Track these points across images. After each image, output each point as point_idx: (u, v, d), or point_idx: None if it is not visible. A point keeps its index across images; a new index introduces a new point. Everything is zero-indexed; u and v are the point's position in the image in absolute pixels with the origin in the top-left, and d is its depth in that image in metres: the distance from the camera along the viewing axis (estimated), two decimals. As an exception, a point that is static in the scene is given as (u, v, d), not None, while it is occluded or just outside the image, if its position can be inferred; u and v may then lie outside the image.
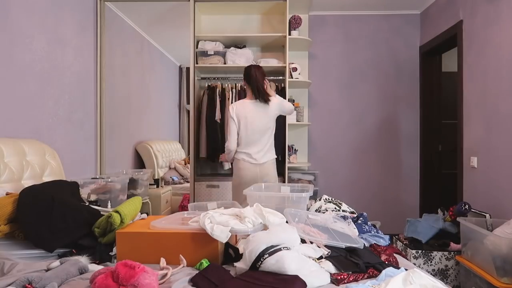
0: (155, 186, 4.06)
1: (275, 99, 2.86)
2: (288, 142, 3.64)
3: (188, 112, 3.90)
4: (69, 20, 3.02)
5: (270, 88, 2.89)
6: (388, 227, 3.74)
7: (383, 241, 1.82)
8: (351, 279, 1.31)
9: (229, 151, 2.85)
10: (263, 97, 2.78)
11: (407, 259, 2.05)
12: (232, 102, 3.59)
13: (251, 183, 2.66)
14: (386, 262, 1.49)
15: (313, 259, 1.39)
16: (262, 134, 2.82)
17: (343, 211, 2.27)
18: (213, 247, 1.48)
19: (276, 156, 2.96)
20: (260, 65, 3.70)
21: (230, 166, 3.69)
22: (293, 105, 3.84)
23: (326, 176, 4.28)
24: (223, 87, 3.87)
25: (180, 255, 1.45)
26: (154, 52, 4.51)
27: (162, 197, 3.94)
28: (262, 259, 1.29)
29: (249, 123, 2.79)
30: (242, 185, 2.66)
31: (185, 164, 4.64)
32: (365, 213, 2.13)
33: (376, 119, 4.31)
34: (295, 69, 3.81)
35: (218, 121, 3.76)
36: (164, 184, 4.33)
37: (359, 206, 3.72)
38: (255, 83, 2.78)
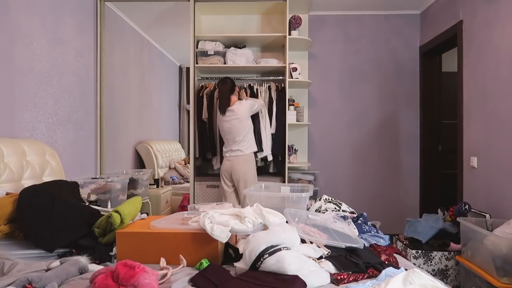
0: (155, 186, 4.06)
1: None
2: (288, 142, 3.64)
3: (188, 112, 3.90)
4: (69, 20, 3.02)
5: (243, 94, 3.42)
6: (388, 227, 3.74)
7: (383, 241, 1.83)
8: (351, 279, 1.31)
9: None
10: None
11: (407, 259, 2.05)
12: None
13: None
14: (386, 262, 1.49)
15: (313, 259, 1.39)
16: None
17: (343, 211, 2.27)
18: (213, 247, 1.48)
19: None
20: (260, 65, 3.73)
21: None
22: (293, 104, 3.88)
23: (326, 176, 4.28)
24: (215, 87, 3.76)
25: (180, 255, 1.45)
26: (154, 52, 4.51)
27: (162, 197, 3.94)
28: (262, 259, 1.29)
29: None
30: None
31: (185, 164, 4.64)
32: (365, 213, 2.13)
33: (376, 119, 4.31)
34: (295, 69, 3.80)
35: (206, 120, 3.71)
36: (164, 184, 4.33)
37: (359, 206, 3.71)
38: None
